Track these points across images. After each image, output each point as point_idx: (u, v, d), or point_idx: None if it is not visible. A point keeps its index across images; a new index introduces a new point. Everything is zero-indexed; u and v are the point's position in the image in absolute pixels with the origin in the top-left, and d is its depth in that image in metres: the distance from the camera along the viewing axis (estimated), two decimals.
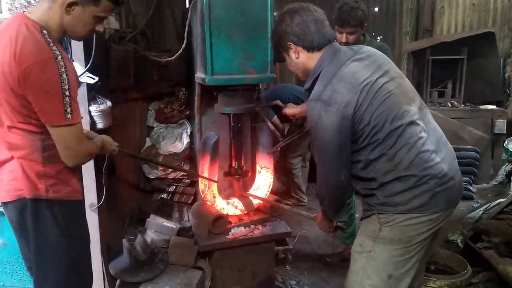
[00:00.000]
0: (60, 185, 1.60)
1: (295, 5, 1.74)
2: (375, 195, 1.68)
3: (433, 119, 1.75)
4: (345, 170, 1.68)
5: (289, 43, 1.73)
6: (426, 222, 1.63)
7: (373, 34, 5.94)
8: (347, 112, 1.56)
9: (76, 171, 1.72)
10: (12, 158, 1.57)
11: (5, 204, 1.65)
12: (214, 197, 2.76)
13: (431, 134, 1.66)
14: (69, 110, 1.46)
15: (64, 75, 1.43)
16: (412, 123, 1.61)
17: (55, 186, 1.58)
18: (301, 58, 1.74)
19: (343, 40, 2.70)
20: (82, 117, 1.62)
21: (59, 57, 1.44)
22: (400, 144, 1.59)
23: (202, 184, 2.70)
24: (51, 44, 1.46)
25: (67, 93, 1.44)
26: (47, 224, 1.58)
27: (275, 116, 4.04)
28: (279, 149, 2.92)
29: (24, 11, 1.56)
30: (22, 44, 1.43)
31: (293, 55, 1.76)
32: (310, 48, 1.71)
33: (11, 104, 1.49)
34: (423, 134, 1.62)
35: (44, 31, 1.48)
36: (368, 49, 1.76)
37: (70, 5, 1.51)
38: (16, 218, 1.64)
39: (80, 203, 1.74)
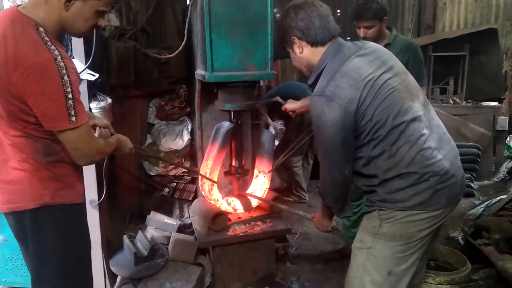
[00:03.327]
0: (66, 189, 1.55)
1: (300, 0, 1.74)
2: (376, 191, 1.68)
3: (437, 116, 1.74)
4: (349, 165, 1.68)
5: (293, 37, 1.73)
6: (426, 219, 1.63)
7: None
8: (350, 108, 1.56)
9: (81, 174, 1.67)
10: (14, 166, 1.49)
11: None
12: (212, 185, 2.75)
13: (434, 131, 1.66)
14: (73, 113, 1.37)
15: (66, 77, 1.34)
16: (415, 119, 1.60)
17: (62, 191, 1.53)
18: (305, 53, 1.75)
19: (361, 34, 2.65)
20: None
21: (59, 58, 1.35)
22: (402, 141, 1.59)
23: (203, 170, 2.69)
24: (49, 43, 1.36)
25: (69, 95, 1.35)
26: (46, 232, 1.53)
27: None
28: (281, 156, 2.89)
29: (18, 5, 1.45)
30: (17, 44, 1.34)
31: (297, 50, 1.76)
32: (314, 43, 1.72)
33: (9, 109, 1.41)
34: (425, 131, 1.62)
35: (40, 29, 1.38)
36: (372, 44, 1.76)
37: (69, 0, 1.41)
38: (14, 225, 1.59)
39: (82, 206, 1.68)
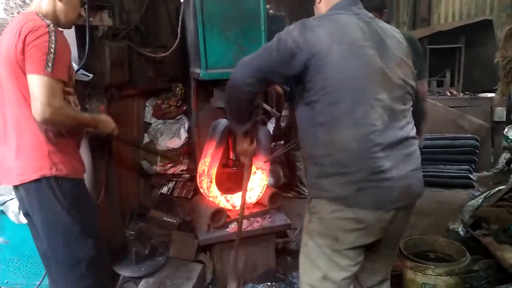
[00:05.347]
0: (63, 163, 1.71)
1: None
2: (308, 171, 1.59)
3: (412, 129, 1.57)
4: (254, 80, 1.55)
5: None
6: (351, 219, 1.49)
7: None
8: (313, 48, 1.44)
9: (76, 151, 1.86)
10: (20, 144, 1.69)
11: (15, 187, 1.77)
12: (210, 182, 2.75)
13: (393, 133, 1.48)
14: (50, 64, 1.56)
15: (53, 37, 1.58)
16: (371, 106, 1.44)
17: (59, 165, 1.70)
18: (321, 3, 1.67)
19: None
20: (65, 81, 1.65)
21: (51, 25, 1.62)
22: (347, 120, 1.44)
23: (201, 168, 2.70)
24: (47, 21, 1.64)
25: (52, 50, 1.57)
26: (50, 202, 1.71)
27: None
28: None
29: (19, 12, 1.73)
30: (21, 23, 1.61)
31: None
32: None
33: (20, 83, 1.62)
34: (378, 123, 1.44)
35: (40, 15, 1.68)
36: (385, 25, 1.62)
37: None
38: (25, 198, 1.76)
39: (80, 181, 1.83)
